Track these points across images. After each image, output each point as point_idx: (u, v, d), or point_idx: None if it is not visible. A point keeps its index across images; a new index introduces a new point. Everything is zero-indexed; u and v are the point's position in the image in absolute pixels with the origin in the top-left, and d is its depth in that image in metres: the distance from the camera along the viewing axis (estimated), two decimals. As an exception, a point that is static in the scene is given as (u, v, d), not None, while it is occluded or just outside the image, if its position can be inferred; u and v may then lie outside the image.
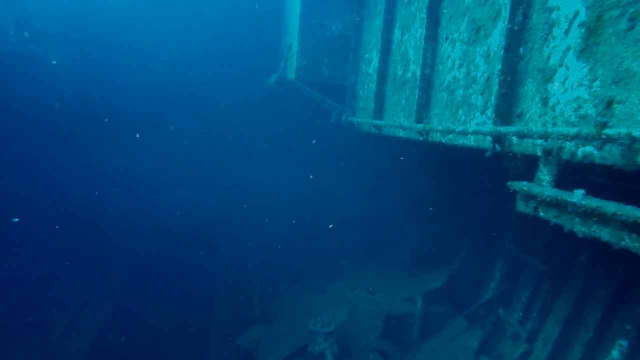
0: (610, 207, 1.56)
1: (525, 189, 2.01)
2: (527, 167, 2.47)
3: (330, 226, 8.19)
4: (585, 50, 1.79)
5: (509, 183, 2.14)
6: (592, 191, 1.78)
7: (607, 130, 1.50)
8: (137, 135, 9.13)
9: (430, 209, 6.95)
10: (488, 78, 2.58)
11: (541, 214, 2.00)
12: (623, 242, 1.59)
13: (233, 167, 9.97)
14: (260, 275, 7.88)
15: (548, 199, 1.86)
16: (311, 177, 7.92)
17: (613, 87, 1.65)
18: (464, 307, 5.64)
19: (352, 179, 8.31)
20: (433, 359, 4.98)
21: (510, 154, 2.48)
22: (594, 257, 4.38)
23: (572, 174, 2.18)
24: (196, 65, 9.26)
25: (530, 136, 1.92)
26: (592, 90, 1.77)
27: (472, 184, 6.13)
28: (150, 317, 8.20)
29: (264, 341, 5.73)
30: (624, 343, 3.75)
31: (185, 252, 9.32)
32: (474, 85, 2.74)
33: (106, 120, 8.94)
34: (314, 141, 7.48)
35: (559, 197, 1.80)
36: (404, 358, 5.09)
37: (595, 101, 1.76)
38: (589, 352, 4.00)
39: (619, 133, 1.44)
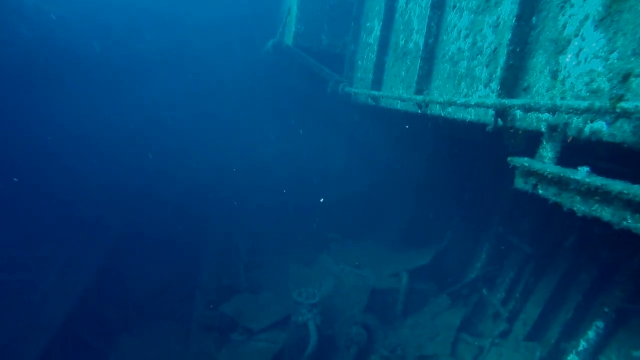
0: (616, 185, 1.49)
1: (527, 164, 1.93)
2: (528, 144, 2.39)
3: (321, 200, 8.14)
4: (606, 19, 1.68)
5: (509, 158, 2.06)
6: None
7: (622, 104, 1.41)
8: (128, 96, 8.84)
9: (421, 187, 6.91)
10: (495, 49, 2.46)
11: (540, 191, 1.93)
12: (625, 222, 1.53)
13: (225, 135, 9.78)
14: (247, 245, 7.86)
15: (550, 176, 1.78)
16: (304, 148, 7.78)
17: (632, 59, 1.55)
18: (448, 286, 5.69)
19: (345, 153, 8.21)
20: (415, 335, 5.05)
21: (512, 130, 2.39)
22: (579, 242, 4.40)
23: (572, 155, 2.11)
24: (193, 29, 8.92)
25: (537, 109, 1.82)
26: (609, 62, 1.67)
27: (466, 164, 6.08)
28: (135, 281, 8.17)
29: (247, 310, 5.74)
30: (600, 324, 3.83)
31: (174, 218, 9.22)
32: (479, 56, 2.62)
33: (98, 79, 8.63)
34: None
35: (561, 174, 1.72)
36: (387, 333, 5.15)
37: (610, 74, 1.66)
38: (566, 332, 4.07)
39: (637, 107, 1.36)
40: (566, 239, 4.52)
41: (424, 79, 3.26)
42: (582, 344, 3.76)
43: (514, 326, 4.58)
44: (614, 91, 1.60)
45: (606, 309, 3.85)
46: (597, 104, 1.52)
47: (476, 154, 5.71)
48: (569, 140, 1.88)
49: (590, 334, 3.75)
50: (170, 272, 8.59)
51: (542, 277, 4.59)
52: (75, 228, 8.06)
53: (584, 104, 1.57)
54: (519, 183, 2.04)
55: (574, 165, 1.84)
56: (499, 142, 2.76)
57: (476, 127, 2.71)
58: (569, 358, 3.80)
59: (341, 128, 7.70)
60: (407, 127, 5.52)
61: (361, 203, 7.84)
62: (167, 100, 9.47)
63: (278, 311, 5.53)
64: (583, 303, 3.99)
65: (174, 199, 9.62)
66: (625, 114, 1.42)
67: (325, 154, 8.59)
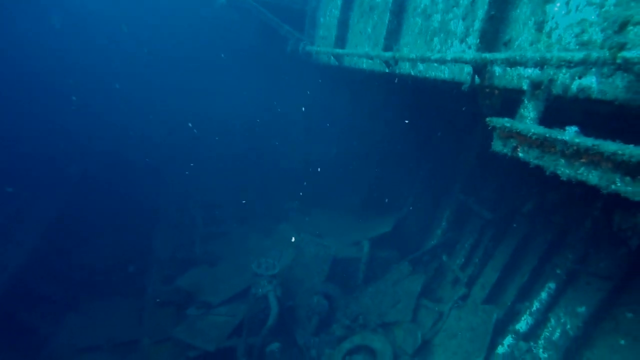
0: (610, 146, 1.36)
1: (508, 125, 1.78)
2: (504, 106, 2.25)
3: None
4: (603, -41, 1.49)
5: (488, 119, 1.90)
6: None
7: (624, 53, 1.25)
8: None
9: (384, 154, 6.81)
10: (473, 0, 2.24)
11: (520, 154, 1.79)
12: (613, 186, 1.42)
13: (179, 98, 9.10)
14: (203, 215, 7.49)
15: (534, 137, 1.64)
16: (262, 112, 7.39)
17: (632, 4, 1.39)
18: (409, 253, 5.71)
19: (305, 119, 7.90)
20: (376, 302, 5.05)
21: (488, 90, 2.23)
22: (535, 208, 4.49)
23: (554, 118, 1.98)
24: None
25: (524, 63, 1.65)
26: (604, 10, 1.50)
27: (428, 131, 6.01)
28: (83, 257, 7.62)
29: (204, 283, 5.49)
30: (552, 285, 3.96)
31: (125, 187, 8.59)
32: (455, 8, 2.40)
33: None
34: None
35: (547, 135, 1.58)
36: (348, 301, 5.12)
37: (605, 24, 1.50)
38: (521, 294, 4.19)
39: (641, 55, 1.20)
40: (524, 205, 4.60)
41: (393, 35, 3.02)
42: (535, 305, 3.88)
43: (473, 290, 4.67)
44: (610, 41, 1.44)
45: (558, 271, 3.98)
46: (594, 54, 1.35)
47: (439, 121, 5.63)
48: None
49: (543, 294, 3.87)
50: (122, 246, 8.09)
51: (501, 243, 4.68)
52: (11, 196, 7.26)
53: (579, 55, 1.41)
54: (497, 146, 1.89)
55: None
56: (466, 106, 2.59)
57: (448, 88, 2.53)
58: (523, 318, 3.92)
59: (302, 91, 7.35)
60: (371, 90, 5.30)
61: (322, 170, 7.65)
62: (118, 58, 8.61)
63: (237, 284, 5.33)
64: (538, 266, 4.10)
65: (126, 167, 8.95)
66: (627, 65, 1.27)
67: (285, 120, 8.25)
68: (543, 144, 1.64)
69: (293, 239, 5.55)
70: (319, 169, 7.58)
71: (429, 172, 6.18)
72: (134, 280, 7.01)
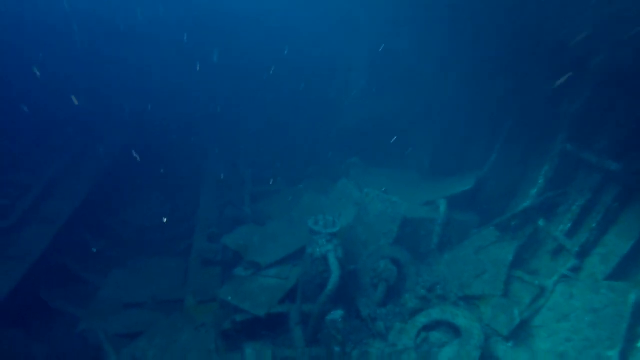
0: None
1: None
2: None
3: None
4: None
5: None
6: None
7: None
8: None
9: (458, 103, 5.72)
10: None
11: None
12: None
13: (227, 53, 8.52)
14: (253, 175, 6.91)
15: None
16: (317, 60, 6.55)
17: None
18: (490, 218, 4.74)
19: (366, 69, 6.96)
20: (454, 272, 4.17)
21: None
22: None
23: None
24: None
25: None
26: None
27: (517, 65, 4.81)
28: (129, 213, 7.43)
29: (253, 242, 4.89)
30: None
31: (172, 146, 8.29)
32: None
33: None
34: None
35: None
36: (419, 269, 4.28)
37: None
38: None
39: None
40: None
41: None
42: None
43: (587, 263, 3.64)
44: None
45: None
46: None
47: (534, 49, 4.45)
48: None
49: None
50: (170, 205, 7.82)
51: (630, 203, 3.58)
52: (62, 151, 7.12)
53: None
54: None
55: None
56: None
57: None
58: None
59: (364, 34, 6.38)
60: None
61: (385, 128, 6.71)
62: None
63: (289, 244, 4.68)
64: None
65: (174, 126, 8.63)
66: None
67: (344, 72, 7.36)
68: None
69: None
70: (380, 125, 6.66)
71: (518, 121, 5.06)
72: (181, 239, 6.66)
